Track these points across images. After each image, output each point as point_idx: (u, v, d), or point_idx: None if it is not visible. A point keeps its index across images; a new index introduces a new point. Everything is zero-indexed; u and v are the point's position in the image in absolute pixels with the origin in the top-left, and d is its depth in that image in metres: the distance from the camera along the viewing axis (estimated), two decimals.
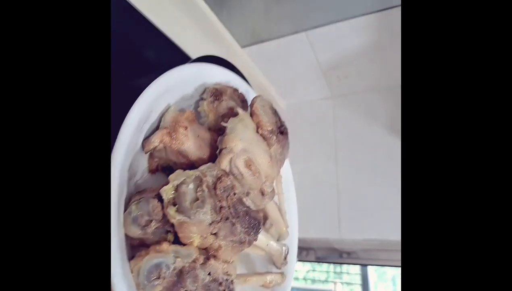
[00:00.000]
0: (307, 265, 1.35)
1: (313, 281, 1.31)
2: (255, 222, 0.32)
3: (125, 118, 0.27)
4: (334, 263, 1.01)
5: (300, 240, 1.06)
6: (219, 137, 0.33)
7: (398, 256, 0.89)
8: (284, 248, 0.44)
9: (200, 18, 0.66)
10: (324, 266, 1.32)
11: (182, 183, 0.27)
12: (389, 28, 0.73)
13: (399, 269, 0.92)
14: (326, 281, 1.29)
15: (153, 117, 0.31)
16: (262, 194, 0.35)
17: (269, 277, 0.40)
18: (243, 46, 0.83)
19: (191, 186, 0.28)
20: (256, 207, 0.35)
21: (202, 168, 0.29)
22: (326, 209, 1.01)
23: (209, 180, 0.29)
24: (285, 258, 0.44)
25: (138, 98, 0.28)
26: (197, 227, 0.27)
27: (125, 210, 0.28)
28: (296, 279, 1.33)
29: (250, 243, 0.32)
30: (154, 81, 0.29)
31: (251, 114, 0.36)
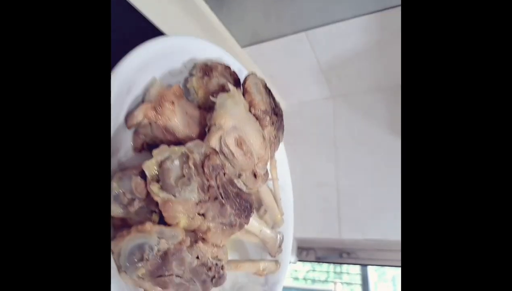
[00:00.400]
0: (307, 265, 1.34)
1: (313, 281, 1.30)
2: (247, 204, 0.30)
3: None
4: (334, 263, 1.01)
5: (300, 240, 1.05)
6: (208, 115, 0.31)
7: (398, 256, 0.89)
8: (279, 235, 0.42)
9: (200, 18, 0.66)
10: (324, 266, 1.31)
11: (166, 159, 0.25)
12: (389, 28, 0.73)
13: (399, 269, 0.92)
14: (326, 281, 1.28)
15: (137, 91, 0.29)
16: (255, 176, 0.33)
17: (262, 265, 0.38)
18: (243, 46, 0.83)
19: (177, 162, 0.26)
20: (248, 190, 0.34)
21: (189, 145, 0.27)
22: (326, 209, 1.01)
23: (196, 157, 0.27)
24: (280, 246, 0.42)
25: (115, 66, 0.26)
26: (183, 206, 0.25)
27: None
28: (296, 279, 1.33)
29: (241, 226, 0.30)
30: (134, 49, 0.27)
31: (244, 93, 0.34)
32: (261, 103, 0.34)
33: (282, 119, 0.38)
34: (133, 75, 0.27)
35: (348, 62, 0.88)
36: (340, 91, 1.04)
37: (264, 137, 0.33)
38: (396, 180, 0.89)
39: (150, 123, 0.30)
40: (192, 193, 0.25)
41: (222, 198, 0.28)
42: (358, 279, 1.28)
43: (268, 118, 0.35)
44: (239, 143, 0.29)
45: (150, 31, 0.53)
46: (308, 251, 1.00)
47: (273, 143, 0.37)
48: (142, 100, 0.30)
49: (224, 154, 0.30)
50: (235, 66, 0.38)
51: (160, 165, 0.25)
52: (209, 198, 0.26)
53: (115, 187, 0.26)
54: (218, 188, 0.27)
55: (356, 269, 1.27)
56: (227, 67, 0.36)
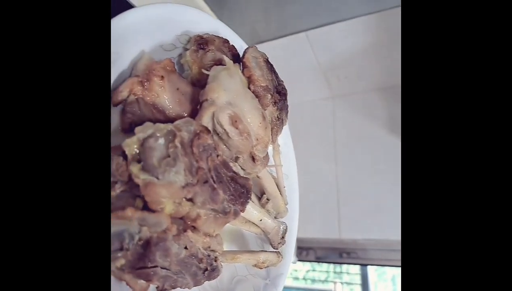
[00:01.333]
0: (307, 265, 1.34)
1: (313, 281, 1.29)
2: (243, 190, 0.28)
3: None
4: (334, 263, 1.01)
5: (300, 240, 1.06)
6: (202, 91, 0.28)
7: (397, 255, 0.89)
8: (282, 226, 0.39)
9: None
10: (324, 266, 1.30)
11: (149, 137, 0.23)
12: (389, 29, 0.74)
13: (399, 269, 0.91)
14: (326, 281, 1.26)
15: (123, 64, 0.27)
16: (253, 159, 0.30)
17: (262, 256, 0.35)
18: None
19: (161, 141, 0.23)
20: (246, 175, 0.31)
21: (177, 122, 0.25)
22: (326, 209, 1.02)
23: (184, 135, 0.24)
24: (283, 237, 0.39)
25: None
26: (167, 190, 0.22)
27: None
28: (296, 279, 1.31)
29: (236, 214, 0.27)
30: (118, 15, 0.24)
31: (242, 69, 0.31)
32: (261, 79, 0.30)
33: (286, 99, 0.35)
34: (117, 45, 0.25)
35: (348, 63, 0.90)
36: (340, 91, 1.05)
37: (264, 117, 0.30)
38: (396, 180, 0.89)
39: (137, 100, 0.27)
40: (177, 175, 0.22)
41: (213, 181, 0.25)
42: (358, 279, 1.26)
43: (269, 96, 0.31)
44: (234, 121, 0.26)
45: None
46: (308, 251, 1.01)
47: (276, 126, 0.34)
48: (129, 75, 0.27)
49: (218, 134, 0.27)
50: (236, 42, 0.35)
51: (142, 143, 0.22)
52: (197, 181, 0.23)
53: None
54: (209, 170, 0.25)
55: (356, 268, 1.25)
56: (226, 41, 0.33)
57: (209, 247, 0.27)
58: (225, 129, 0.26)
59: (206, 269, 0.27)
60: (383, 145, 0.96)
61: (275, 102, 0.33)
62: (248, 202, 0.28)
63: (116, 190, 0.24)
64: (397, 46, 0.77)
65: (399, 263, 0.89)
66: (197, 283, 0.28)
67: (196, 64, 0.30)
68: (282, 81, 0.35)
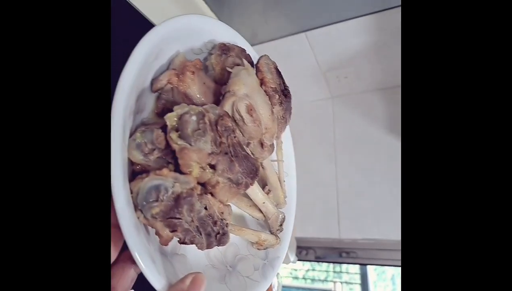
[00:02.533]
0: (307, 264, 1.34)
1: (313, 280, 1.29)
2: (253, 167, 0.33)
3: (133, 50, 0.29)
4: (333, 262, 1.01)
5: (299, 239, 1.05)
6: (223, 86, 0.34)
7: (397, 255, 0.89)
8: (281, 214, 0.44)
9: None
10: (324, 265, 1.30)
11: (186, 113, 0.29)
12: (388, 29, 0.75)
13: (399, 269, 0.92)
14: (325, 280, 1.27)
15: (163, 59, 0.33)
16: (262, 146, 0.36)
17: (263, 235, 0.40)
18: None
19: (194, 117, 0.29)
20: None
21: (205, 106, 0.31)
22: (325, 209, 1.02)
23: (211, 116, 0.30)
24: (281, 224, 0.44)
25: (147, 33, 0.29)
26: (197, 155, 0.28)
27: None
28: (296, 278, 1.32)
29: (246, 186, 0.33)
30: (164, 21, 0.31)
31: (256, 72, 0.38)
32: (272, 81, 0.37)
33: (290, 102, 0.42)
34: (161, 43, 0.31)
35: (347, 63, 0.90)
36: (339, 91, 1.06)
37: (272, 111, 0.36)
38: (396, 180, 0.92)
39: (172, 89, 0.33)
40: (206, 144, 0.28)
41: (231, 155, 0.31)
42: (357, 279, 1.27)
43: (277, 96, 0.38)
44: (250, 109, 0.33)
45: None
46: (307, 250, 1.01)
47: (280, 123, 0.41)
48: (167, 68, 0.34)
49: (235, 121, 0.33)
50: (250, 52, 0.42)
51: (180, 117, 0.28)
52: (220, 151, 0.29)
53: (138, 137, 0.29)
54: (228, 146, 0.31)
55: (356, 268, 1.26)
56: (243, 50, 0.40)
57: (222, 213, 0.32)
58: (241, 116, 0.33)
59: (218, 233, 0.32)
60: (383, 145, 0.97)
61: (281, 103, 0.39)
62: (257, 177, 0.33)
63: (154, 155, 0.29)
64: (397, 46, 0.77)
65: (399, 263, 0.89)
66: (209, 246, 0.33)
67: (219, 66, 0.37)
68: (288, 86, 0.42)
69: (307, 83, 1.03)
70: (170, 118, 0.28)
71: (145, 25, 0.55)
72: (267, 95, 0.37)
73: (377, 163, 0.97)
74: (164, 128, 0.30)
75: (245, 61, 0.35)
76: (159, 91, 0.33)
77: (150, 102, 0.34)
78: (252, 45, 0.85)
